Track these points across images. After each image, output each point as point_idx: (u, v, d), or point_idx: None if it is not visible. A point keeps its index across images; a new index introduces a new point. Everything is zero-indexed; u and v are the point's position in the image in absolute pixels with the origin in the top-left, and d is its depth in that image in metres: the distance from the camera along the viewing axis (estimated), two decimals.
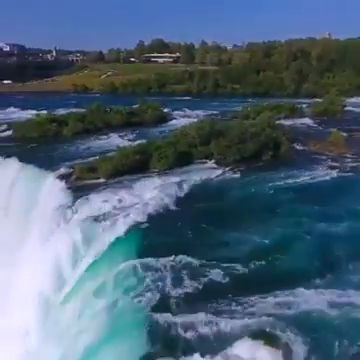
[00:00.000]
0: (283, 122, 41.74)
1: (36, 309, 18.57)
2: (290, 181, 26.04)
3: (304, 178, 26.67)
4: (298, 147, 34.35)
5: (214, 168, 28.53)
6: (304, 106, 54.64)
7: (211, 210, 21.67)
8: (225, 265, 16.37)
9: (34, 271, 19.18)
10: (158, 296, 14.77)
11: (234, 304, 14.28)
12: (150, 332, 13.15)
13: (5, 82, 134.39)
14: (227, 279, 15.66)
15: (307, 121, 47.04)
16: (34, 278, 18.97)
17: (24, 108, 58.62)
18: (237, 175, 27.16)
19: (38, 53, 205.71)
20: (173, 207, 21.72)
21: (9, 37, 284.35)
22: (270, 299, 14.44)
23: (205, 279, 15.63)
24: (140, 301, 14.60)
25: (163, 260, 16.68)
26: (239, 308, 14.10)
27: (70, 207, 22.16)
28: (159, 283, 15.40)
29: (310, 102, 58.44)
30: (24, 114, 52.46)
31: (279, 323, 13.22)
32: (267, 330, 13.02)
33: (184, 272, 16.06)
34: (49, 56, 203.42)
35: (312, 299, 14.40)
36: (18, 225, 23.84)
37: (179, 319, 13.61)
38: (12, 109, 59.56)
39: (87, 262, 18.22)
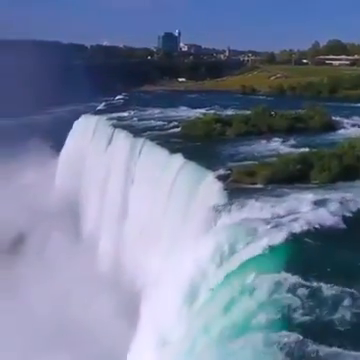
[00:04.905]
0: None
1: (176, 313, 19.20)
2: None
3: None
4: None
5: None
6: None
7: None
8: None
9: (181, 269, 19.96)
10: (300, 318, 13.72)
11: None
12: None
13: (180, 80, 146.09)
14: None
15: None
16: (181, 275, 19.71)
17: (194, 107, 62.17)
18: None
19: (212, 53, 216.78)
20: (331, 225, 19.99)
21: (189, 38, 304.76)
22: None
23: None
24: (276, 319, 13.85)
25: (311, 280, 15.46)
26: None
27: (224, 209, 22.54)
28: (302, 305, 14.24)
29: None
30: (193, 112, 55.72)
31: None
32: None
33: (334, 299, 14.58)
34: (222, 56, 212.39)
35: None
36: (175, 220, 25.42)
37: (318, 349, 12.42)
38: (183, 107, 63.81)
39: (230, 268, 18.19)
